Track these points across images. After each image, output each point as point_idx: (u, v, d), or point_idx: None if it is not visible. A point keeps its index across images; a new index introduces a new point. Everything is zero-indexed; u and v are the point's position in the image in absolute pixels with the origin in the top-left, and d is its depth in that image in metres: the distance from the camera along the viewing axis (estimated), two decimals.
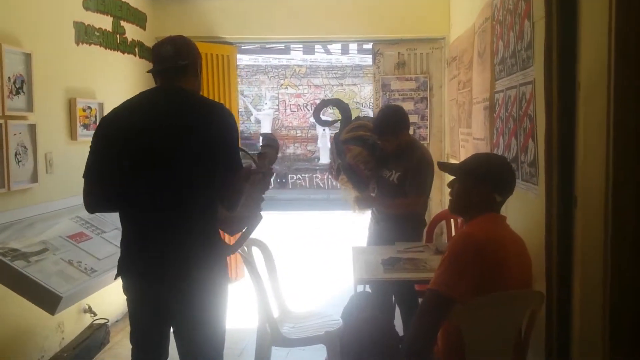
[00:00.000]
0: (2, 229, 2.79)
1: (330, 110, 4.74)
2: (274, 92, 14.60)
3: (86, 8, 3.73)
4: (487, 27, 3.27)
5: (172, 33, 4.78)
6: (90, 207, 2.08)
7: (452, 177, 2.11)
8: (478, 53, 3.57)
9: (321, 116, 3.77)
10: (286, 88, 14.59)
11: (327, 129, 12.02)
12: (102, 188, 2.02)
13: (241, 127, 13.53)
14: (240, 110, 14.65)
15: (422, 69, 5.10)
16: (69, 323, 3.45)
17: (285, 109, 14.47)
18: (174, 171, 1.99)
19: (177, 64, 2.07)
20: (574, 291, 1.94)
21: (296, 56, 14.81)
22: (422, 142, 4.97)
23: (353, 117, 3.59)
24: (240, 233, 2.23)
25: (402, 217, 3.23)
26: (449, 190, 2.09)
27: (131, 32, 4.41)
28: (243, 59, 14.78)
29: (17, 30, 3.02)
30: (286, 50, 14.88)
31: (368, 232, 3.49)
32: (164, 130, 2.00)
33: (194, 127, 2.00)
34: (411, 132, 4.93)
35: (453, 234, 3.59)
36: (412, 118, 4.88)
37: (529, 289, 1.97)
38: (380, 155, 3.33)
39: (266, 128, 13.58)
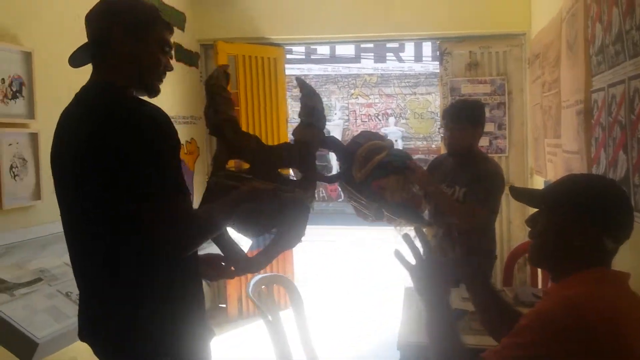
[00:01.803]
0: None
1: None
2: (344, 102, 14.12)
3: None
4: (578, 9, 2.56)
5: (214, 34, 4.47)
6: (194, 244, 1.41)
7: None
8: (567, 44, 2.85)
9: None
10: (356, 98, 14.07)
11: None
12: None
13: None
14: None
15: (498, 69, 4.38)
16: None
17: (356, 119, 13.93)
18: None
19: (88, 43, 1.44)
20: None
21: (367, 65, 14.27)
22: (500, 155, 4.26)
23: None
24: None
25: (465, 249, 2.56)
26: (529, 230, 1.41)
27: None
28: (312, 69, 14.44)
29: (15, 26, 2.64)
30: (356, 59, 14.38)
31: None
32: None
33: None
34: (486, 142, 4.26)
35: (541, 277, 2.86)
36: (487, 127, 4.16)
37: None
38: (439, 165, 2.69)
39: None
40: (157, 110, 1.36)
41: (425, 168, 2.86)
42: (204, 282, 4.22)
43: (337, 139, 2.79)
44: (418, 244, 1.47)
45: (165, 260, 1.39)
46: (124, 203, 1.30)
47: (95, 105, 1.37)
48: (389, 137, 2.83)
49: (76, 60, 1.49)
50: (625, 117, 1.95)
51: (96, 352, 1.48)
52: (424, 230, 2.61)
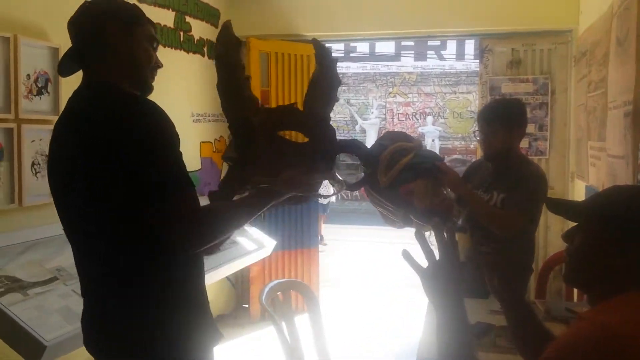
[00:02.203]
0: (6, 252, 2.37)
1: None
2: (382, 101, 13.94)
3: (140, 1, 3.31)
4: (632, 2, 2.36)
5: (249, 31, 4.39)
6: (207, 240, 1.35)
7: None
8: (617, 41, 2.65)
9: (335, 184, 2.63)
10: (395, 96, 13.88)
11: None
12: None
13: (346, 137, 13.00)
14: (345, 119, 14.17)
15: (541, 68, 4.16)
16: None
17: (393, 118, 13.75)
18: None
19: (76, 47, 1.42)
20: None
21: (407, 63, 14.06)
22: (540, 157, 4.05)
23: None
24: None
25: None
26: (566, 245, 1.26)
27: (199, 29, 3.96)
28: (351, 67, 14.30)
29: (42, 21, 2.62)
30: (396, 57, 14.17)
31: None
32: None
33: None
34: (526, 144, 4.06)
35: (577, 290, 2.66)
36: (528, 128, 3.96)
37: None
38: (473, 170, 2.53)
39: (372, 137, 12.91)
40: (156, 106, 1.32)
41: (461, 170, 2.69)
42: (228, 283, 4.18)
43: (360, 142, 2.61)
44: (432, 243, 1.33)
45: (169, 264, 1.35)
46: (133, 201, 1.26)
47: (97, 104, 1.33)
48: (421, 137, 2.65)
49: (65, 69, 1.47)
50: None
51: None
52: (457, 236, 2.47)
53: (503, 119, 2.46)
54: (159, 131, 1.28)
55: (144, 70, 1.44)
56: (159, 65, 1.48)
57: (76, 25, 1.42)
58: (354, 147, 2.49)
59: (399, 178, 2.24)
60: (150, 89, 1.47)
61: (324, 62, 1.71)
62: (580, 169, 3.65)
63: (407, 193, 2.24)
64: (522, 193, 2.37)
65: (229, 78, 1.64)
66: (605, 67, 2.89)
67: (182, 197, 1.27)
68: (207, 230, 1.30)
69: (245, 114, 1.64)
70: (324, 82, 1.72)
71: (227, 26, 1.68)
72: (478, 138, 2.60)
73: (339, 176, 1.87)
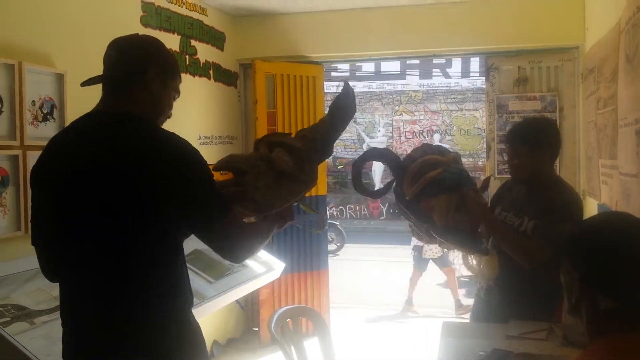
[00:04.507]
0: (12, 280, 2.34)
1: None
2: (388, 119, 13.96)
3: (145, 25, 3.33)
4: None
5: (254, 53, 4.41)
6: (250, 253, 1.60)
7: None
8: (626, 57, 2.62)
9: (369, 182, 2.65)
10: (401, 114, 13.89)
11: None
12: None
13: (353, 155, 12.99)
14: (353, 138, 14.19)
15: (549, 85, 4.14)
16: None
17: (400, 136, 13.74)
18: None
19: (115, 73, 1.48)
20: None
21: (412, 81, 14.10)
22: None
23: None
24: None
25: (525, 285, 2.27)
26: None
27: (205, 52, 3.97)
28: (357, 86, 14.35)
29: (47, 47, 2.62)
30: (402, 75, 14.21)
31: (475, 300, 2.60)
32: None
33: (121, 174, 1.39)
34: None
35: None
36: None
37: None
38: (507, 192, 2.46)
39: None
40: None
41: (481, 189, 2.58)
42: (238, 306, 4.13)
43: (392, 152, 2.59)
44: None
45: (177, 288, 1.46)
46: (188, 223, 1.43)
47: (138, 134, 1.42)
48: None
49: (89, 83, 1.54)
50: None
51: None
52: (483, 259, 2.40)
53: (529, 140, 2.31)
54: (199, 159, 1.44)
55: (163, 116, 1.56)
56: (170, 115, 1.61)
57: (121, 52, 1.49)
58: (385, 156, 2.47)
59: (424, 192, 2.19)
60: None
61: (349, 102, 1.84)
62: (592, 187, 3.60)
63: (429, 208, 2.19)
64: (552, 222, 2.15)
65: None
66: (615, 83, 2.86)
67: (231, 212, 1.45)
68: (249, 244, 1.52)
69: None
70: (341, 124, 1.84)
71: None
72: (506, 159, 2.48)
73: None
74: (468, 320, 2.54)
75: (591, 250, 1.11)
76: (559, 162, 4.06)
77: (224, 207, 1.44)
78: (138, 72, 1.47)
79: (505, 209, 2.40)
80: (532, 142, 2.30)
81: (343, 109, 1.81)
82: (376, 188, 10.10)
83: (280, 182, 1.66)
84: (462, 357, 1.89)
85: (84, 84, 1.54)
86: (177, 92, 1.60)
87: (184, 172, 1.39)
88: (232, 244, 1.46)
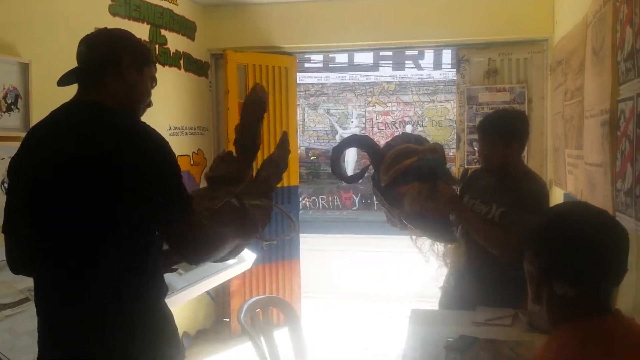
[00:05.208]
0: None
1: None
2: (361, 110, 13.97)
3: (114, 14, 3.26)
4: (606, 13, 2.39)
5: (226, 44, 4.36)
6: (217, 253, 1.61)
7: None
8: (593, 50, 2.67)
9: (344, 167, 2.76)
10: (374, 106, 13.91)
11: None
12: None
13: (326, 147, 13.00)
14: (326, 129, 14.18)
15: (518, 77, 4.20)
16: None
17: (372, 127, 13.76)
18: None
19: (89, 65, 1.48)
20: None
21: (385, 72, 14.11)
22: None
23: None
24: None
25: (493, 272, 2.31)
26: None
27: (175, 42, 3.92)
28: (330, 77, 14.33)
29: (12, 36, 2.55)
30: (375, 67, 14.23)
31: (444, 287, 2.63)
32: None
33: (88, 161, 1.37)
34: None
35: None
36: None
37: None
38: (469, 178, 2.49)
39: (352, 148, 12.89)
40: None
41: (459, 180, 2.60)
42: (208, 297, 4.12)
43: (371, 139, 2.64)
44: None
45: (149, 283, 1.45)
46: (143, 221, 1.39)
47: (109, 125, 1.40)
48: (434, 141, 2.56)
49: (64, 81, 1.53)
50: None
51: None
52: (451, 248, 2.44)
53: (499, 131, 2.36)
54: (170, 154, 1.42)
55: (141, 105, 1.56)
56: (151, 104, 1.59)
57: (92, 45, 1.49)
58: (364, 143, 2.52)
59: (399, 179, 2.24)
60: None
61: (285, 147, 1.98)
62: (558, 177, 3.67)
63: (401, 195, 2.24)
64: (521, 213, 2.18)
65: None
66: (581, 75, 2.92)
67: (190, 214, 1.42)
68: (212, 246, 1.51)
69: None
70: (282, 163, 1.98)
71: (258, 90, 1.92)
72: (477, 149, 2.51)
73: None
74: (437, 308, 2.58)
75: (549, 240, 1.14)
76: (527, 152, 4.13)
77: (188, 206, 1.44)
78: (111, 62, 1.47)
79: (473, 197, 2.44)
80: (503, 133, 2.35)
81: (249, 105, 1.87)
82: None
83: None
84: (429, 343, 1.92)
85: (60, 83, 1.53)
86: (154, 79, 1.59)
87: (154, 165, 1.38)
88: (189, 245, 1.45)
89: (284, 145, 2.01)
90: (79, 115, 1.43)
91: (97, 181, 1.35)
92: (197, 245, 1.45)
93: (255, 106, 1.85)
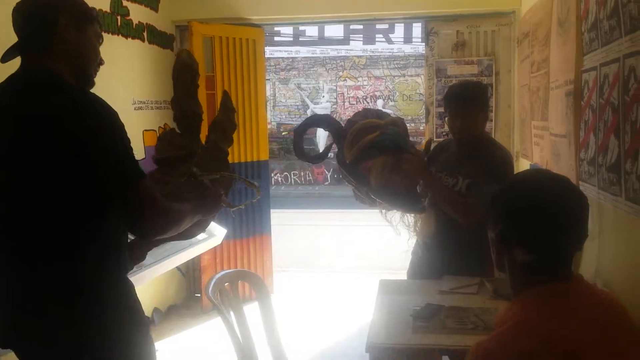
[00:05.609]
0: None
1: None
2: (332, 85, 13.91)
3: None
4: None
5: (191, 15, 4.25)
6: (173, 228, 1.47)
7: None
8: (558, 21, 2.69)
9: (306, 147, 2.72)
10: (345, 80, 13.87)
11: None
12: None
13: (298, 121, 12.93)
14: (297, 103, 14.10)
15: (486, 50, 4.21)
16: None
17: (344, 102, 13.75)
18: None
19: (27, 33, 1.43)
20: None
21: (356, 46, 14.05)
22: None
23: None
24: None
25: (460, 241, 2.34)
26: None
27: (138, 13, 3.80)
28: (300, 51, 14.20)
29: None
30: (345, 41, 14.14)
31: (412, 257, 2.65)
32: None
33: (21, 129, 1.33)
34: None
35: None
36: None
37: None
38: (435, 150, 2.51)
39: None
40: (102, 99, 1.39)
41: (424, 152, 2.60)
42: (179, 273, 4.07)
43: (332, 117, 2.61)
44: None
45: (105, 255, 1.41)
46: (83, 194, 1.33)
47: (47, 96, 1.35)
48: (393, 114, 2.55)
49: (8, 56, 1.48)
50: (618, 99, 1.79)
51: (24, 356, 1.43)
52: (419, 218, 2.45)
53: (476, 101, 2.37)
54: (109, 123, 1.34)
55: (91, 66, 1.50)
56: (102, 62, 1.54)
57: (26, 13, 1.42)
58: (325, 122, 2.48)
59: (363, 155, 2.22)
60: (92, 84, 1.53)
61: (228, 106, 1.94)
62: (525, 148, 3.72)
63: (366, 170, 2.23)
64: (486, 181, 2.20)
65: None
66: (547, 47, 2.93)
67: (138, 187, 1.35)
68: (166, 219, 1.41)
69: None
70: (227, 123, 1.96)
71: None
72: (447, 121, 2.47)
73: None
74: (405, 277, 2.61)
75: (508, 207, 1.16)
76: (494, 125, 4.17)
77: (136, 174, 1.36)
78: (49, 26, 1.41)
79: (439, 170, 2.44)
80: (475, 103, 2.37)
81: (177, 75, 1.83)
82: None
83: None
84: (397, 312, 1.94)
85: (3, 60, 1.47)
86: (99, 36, 1.53)
87: (95, 131, 1.32)
88: (139, 215, 1.35)
89: (226, 105, 1.98)
90: (15, 86, 1.39)
91: (38, 152, 1.30)
92: (149, 218, 1.36)
93: (183, 74, 1.80)
